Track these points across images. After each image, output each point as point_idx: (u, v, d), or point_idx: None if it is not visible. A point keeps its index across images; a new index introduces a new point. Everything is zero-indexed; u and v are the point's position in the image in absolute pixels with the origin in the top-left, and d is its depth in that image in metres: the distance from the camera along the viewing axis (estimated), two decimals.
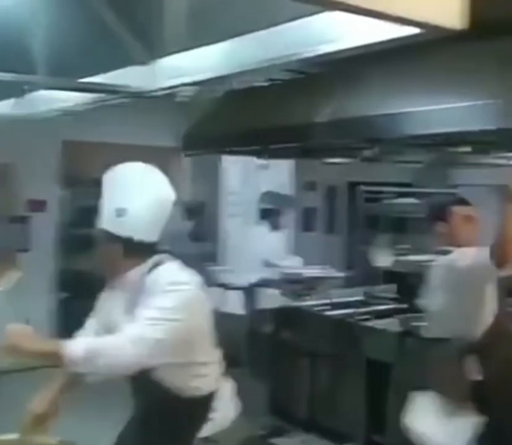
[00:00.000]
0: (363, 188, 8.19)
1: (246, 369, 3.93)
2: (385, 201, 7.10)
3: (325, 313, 4.30)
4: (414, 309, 3.76)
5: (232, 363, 2.08)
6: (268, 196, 5.23)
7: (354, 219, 8.53)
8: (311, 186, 8.50)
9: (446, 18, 1.39)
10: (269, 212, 5.01)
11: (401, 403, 2.97)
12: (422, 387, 2.88)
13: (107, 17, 2.13)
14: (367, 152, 4.28)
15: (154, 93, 2.23)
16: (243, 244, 5.06)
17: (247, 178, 6.32)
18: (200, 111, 4.35)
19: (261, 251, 4.75)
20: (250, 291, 4.39)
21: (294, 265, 4.85)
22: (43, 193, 5.79)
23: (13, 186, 4.63)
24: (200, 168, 6.77)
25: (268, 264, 4.75)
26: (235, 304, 4.37)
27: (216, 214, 6.71)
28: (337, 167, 5.57)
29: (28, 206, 5.38)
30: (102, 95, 2.44)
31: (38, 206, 5.69)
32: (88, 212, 5.48)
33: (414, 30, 1.47)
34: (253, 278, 4.54)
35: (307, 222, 8.42)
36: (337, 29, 1.75)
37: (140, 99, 2.32)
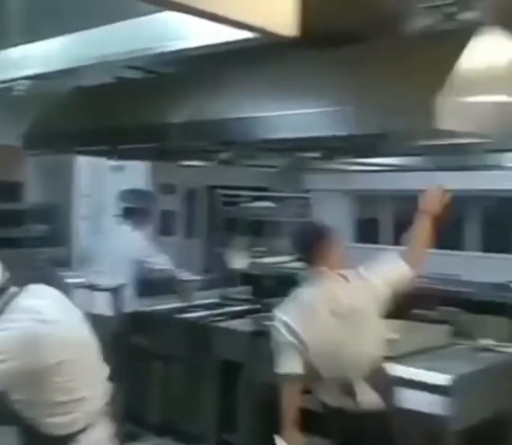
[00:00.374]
0: (220, 191, 8.31)
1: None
2: (242, 205, 7.26)
3: (179, 316, 4.29)
4: (266, 309, 3.86)
5: None
6: (130, 194, 5.03)
7: (212, 222, 8.63)
8: (169, 189, 8.46)
9: (279, 25, 1.49)
10: (132, 211, 4.79)
11: (250, 401, 3.02)
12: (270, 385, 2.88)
13: None
14: (223, 155, 4.34)
15: None
16: (106, 245, 4.80)
17: (100, 179, 6.16)
18: (44, 108, 4.15)
19: (128, 250, 4.58)
20: (116, 292, 4.25)
21: (163, 262, 4.74)
22: None
23: None
24: (52, 169, 6.50)
25: (138, 262, 4.60)
26: (103, 306, 4.20)
27: (70, 216, 6.49)
28: (195, 170, 5.59)
29: None
30: None
31: None
32: None
33: (249, 34, 1.53)
34: (121, 279, 4.40)
35: (165, 225, 8.37)
36: (180, 29, 1.78)
37: None
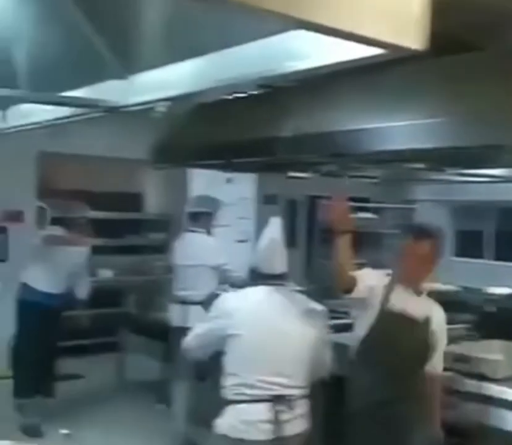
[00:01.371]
0: (322, 202, 8.41)
1: None
2: None
3: None
4: None
5: None
6: (196, 200, 5.09)
7: (312, 232, 8.73)
8: (272, 199, 8.66)
9: (409, 39, 1.48)
10: (197, 215, 4.80)
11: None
12: None
13: (86, 32, 2.22)
14: (328, 167, 4.44)
15: (129, 108, 2.33)
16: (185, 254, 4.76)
17: (213, 191, 6.44)
18: (169, 124, 4.45)
19: (204, 257, 4.60)
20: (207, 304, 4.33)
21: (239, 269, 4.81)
22: (20, 204, 5.85)
23: None
24: (168, 181, 6.87)
25: (216, 269, 4.62)
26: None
27: (182, 226, 6.78)
28: (298, 181, 5.73)
29: (5, 217, 5.42)
30: (80, 109, 2.52)
31: (15, 216, 5.70)
32: (60, 224, 5.53)
33: (378, 50, 1.55)
34: (205, 289, 4.48)
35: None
36: (306, 48, 1.82)
37: (116, 113, 2.40)
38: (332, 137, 3.35)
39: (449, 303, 4.22)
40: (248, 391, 2.51)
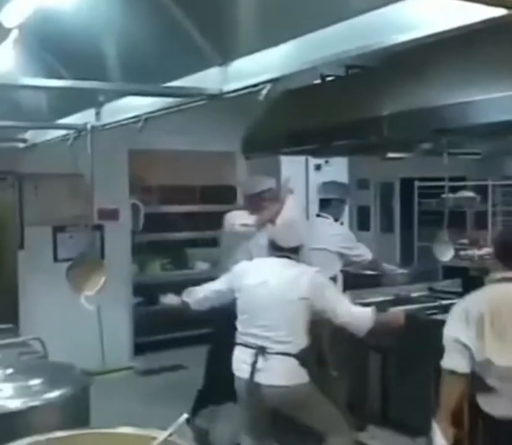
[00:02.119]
0: (416, 183, 8.15)
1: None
2: (443, 196, 7.01)
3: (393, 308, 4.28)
4: None
5: None
6: (327, 186, 5.13)
7: (408, 215, 8.49)
8: (363, 184, 8.49)
9: None
10: (328, 202, 4.91)
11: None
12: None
13: (181, 22, 2.19)
14: (426, 145, 4.27)
15: (229, 94, 2.29)
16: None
17: (304, 177, 6.35)
18: (256, 113, 4.40)
19: (329, 241, 4.69)
20: None
21: (364, 253, 4.83)
22: (115, 202, 5.95)
23: (86, 195, 4.79)
24: (261, 171, 6.83)
25: (340, 254, 4.73)
26: None
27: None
28: (390, 164, 5.55)
29: (100, 215, 5.54)
30: (180, 99, 2.50)
31: (111, 214, 5.85)
32: (154, 219, 5.61)
33: (500, 11, 1.45)
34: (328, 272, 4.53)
35: (361, 221, 8.39)
36: (413, 19, 1.77)
37: (217, 100, 2.37)
38: (433, 112, 3.19)
39: None
40: (244, 337, 3.13)
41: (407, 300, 4.51)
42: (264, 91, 2.14)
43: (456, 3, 1.46)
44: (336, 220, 4.89)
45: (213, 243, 7.05)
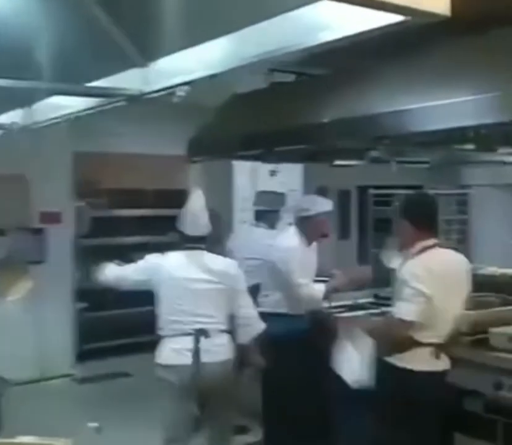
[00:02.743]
0: (372, 191, 8.21)
1: None
2: (396, 204, 7.05)
3: (339, 315, 4.26)
4: None
5: None
6: (261, 196, 5.21)
7: (365, 222, 8.55)
8: (322, 191, 8.50)
9: (430, 5, 1.41)
10: (264, 214, 4.99)
11: None
12: None
13: (104, 22, 2.15)
14: (374, 153, 4.28)
15: (150, 95, 2.25)
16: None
17: (257, 184, 6.33)
18: (205, 116, 4.37)
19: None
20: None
21: None
22: (57, 205, 5.79)
23: (27, 197, 4.66)
24: (212, 176, 6.79)
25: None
26: None
27: (230, 221, 6.69)
28: (347, 171, 5.55)
29: (42, 218, 5.41)
30: (103, 99, 2.46)
31: (53, 217, 5.70)
32: (103, 223, 5.48)
33: (399, 18, 1.48)
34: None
35: None
36: (328, 20, 1.74)
37: (138, 102, 2.33)
38: (374, 120, 3.21)
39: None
40: (176, 326, 3.24)
41: (354, 307, 4.51)
42: (181, 93, 2.09)
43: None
44: (272, 228, 4.91)
45: (165, 247, 6.96)
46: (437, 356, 2.89)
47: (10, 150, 3.37)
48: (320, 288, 3.96)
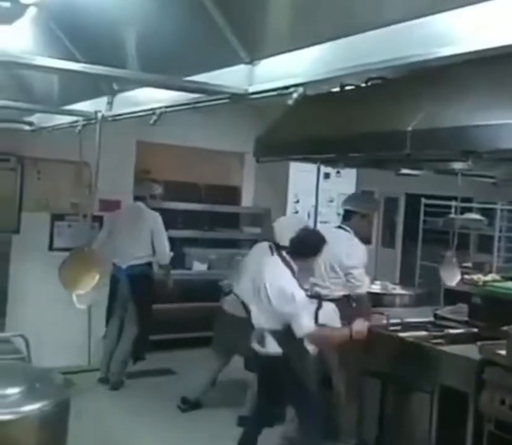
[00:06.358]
0: (424, 201, 8.00)
1: None
2: (450, 216, 6.84)
3: (396, 334, 4.08)
4: (488, 335, 3.58)
5: None
6: (353, 198, 4.84)
7: (411, 232, 8.34)
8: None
9: None
10: (351, 215, 4.53)
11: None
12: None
13: (212, 16, 2.04)
14: (457, 165, 4.10)
15: (257, 95, 2.13)
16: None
17: (312, 186, 6.21)
18: (274, 117, 4.25)
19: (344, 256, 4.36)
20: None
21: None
22: (117, 194, 5.77)
23: (89, 185, 4.59)
24: (267, 175, 6.69)
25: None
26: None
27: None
28: (395, 178, 5.39)
29: (102, 206, 5.38)
30: (200, 95, 2.34)
31: (112, 206, 5.66)
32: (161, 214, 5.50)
33: None
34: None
35: None
36: (444, 34, 1.63)
37: (242, 101, 2.20)
38: (464, 132, 3.03)
39: None
40: None
41: (412, 326, 4.28)
42: (294, 95, 1.97)
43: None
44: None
45: (213, 244, 6.91)
46: None
47: (84, 139, 3.28)
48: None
